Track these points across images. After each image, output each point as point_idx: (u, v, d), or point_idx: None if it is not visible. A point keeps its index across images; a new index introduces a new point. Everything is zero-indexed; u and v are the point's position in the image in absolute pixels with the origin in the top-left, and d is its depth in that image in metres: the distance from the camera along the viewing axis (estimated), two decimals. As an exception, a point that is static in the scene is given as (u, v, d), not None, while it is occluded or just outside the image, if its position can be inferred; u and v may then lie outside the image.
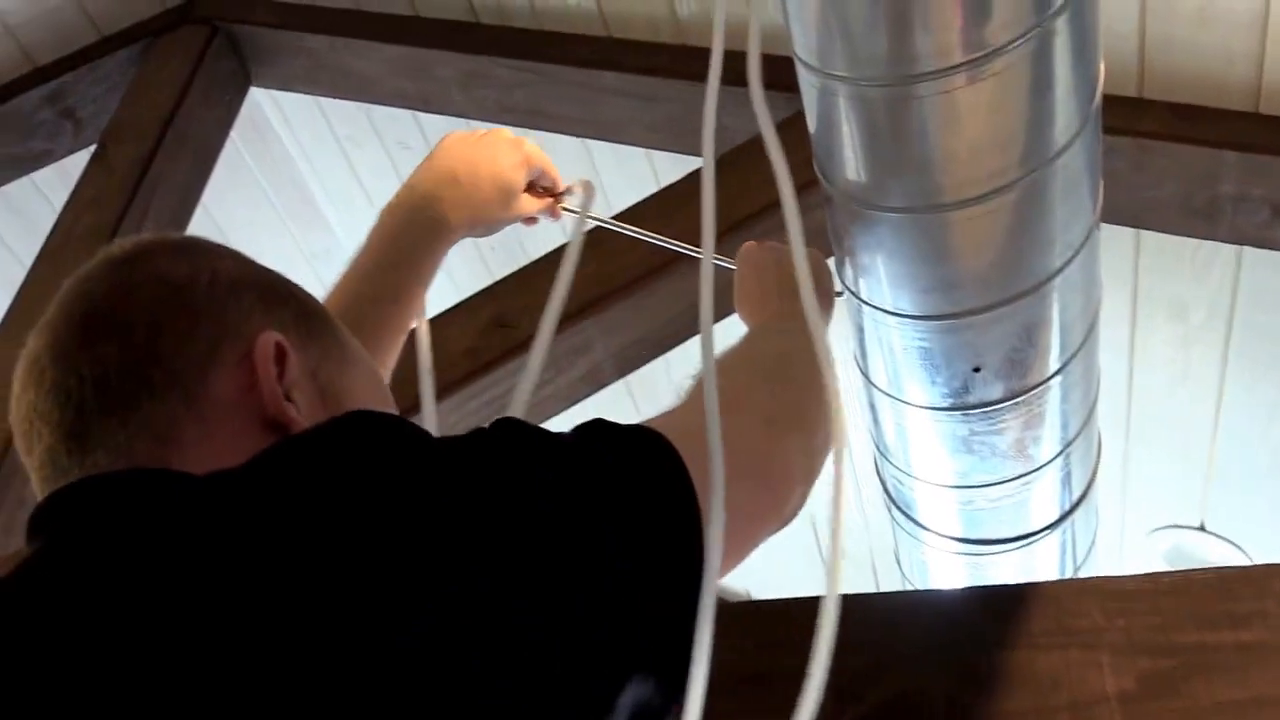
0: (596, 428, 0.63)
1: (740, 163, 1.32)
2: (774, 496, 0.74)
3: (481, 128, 1.17)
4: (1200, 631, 0.99)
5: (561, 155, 1.27)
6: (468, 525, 0.52)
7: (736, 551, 0.67)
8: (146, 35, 2.16)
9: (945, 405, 1.08)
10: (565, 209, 1.15)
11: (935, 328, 1.00)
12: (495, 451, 0.58)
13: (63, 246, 1.80)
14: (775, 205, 1.44)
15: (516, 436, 0.60)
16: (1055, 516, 1.27)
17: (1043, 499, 1.23)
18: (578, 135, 1.89)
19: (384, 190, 2.40)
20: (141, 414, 0.62)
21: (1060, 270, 0.96)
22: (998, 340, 1.00)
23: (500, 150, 1.09)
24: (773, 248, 1.08)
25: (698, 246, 0.88)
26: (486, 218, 1.09)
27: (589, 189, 1.13)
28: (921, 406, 1.10)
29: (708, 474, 0.65)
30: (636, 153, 1.82)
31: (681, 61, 1.70)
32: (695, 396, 0.74)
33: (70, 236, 1.82)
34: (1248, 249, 1.47)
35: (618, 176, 1.91)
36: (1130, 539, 2.07)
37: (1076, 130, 0.88)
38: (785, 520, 0.75)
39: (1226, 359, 1.64)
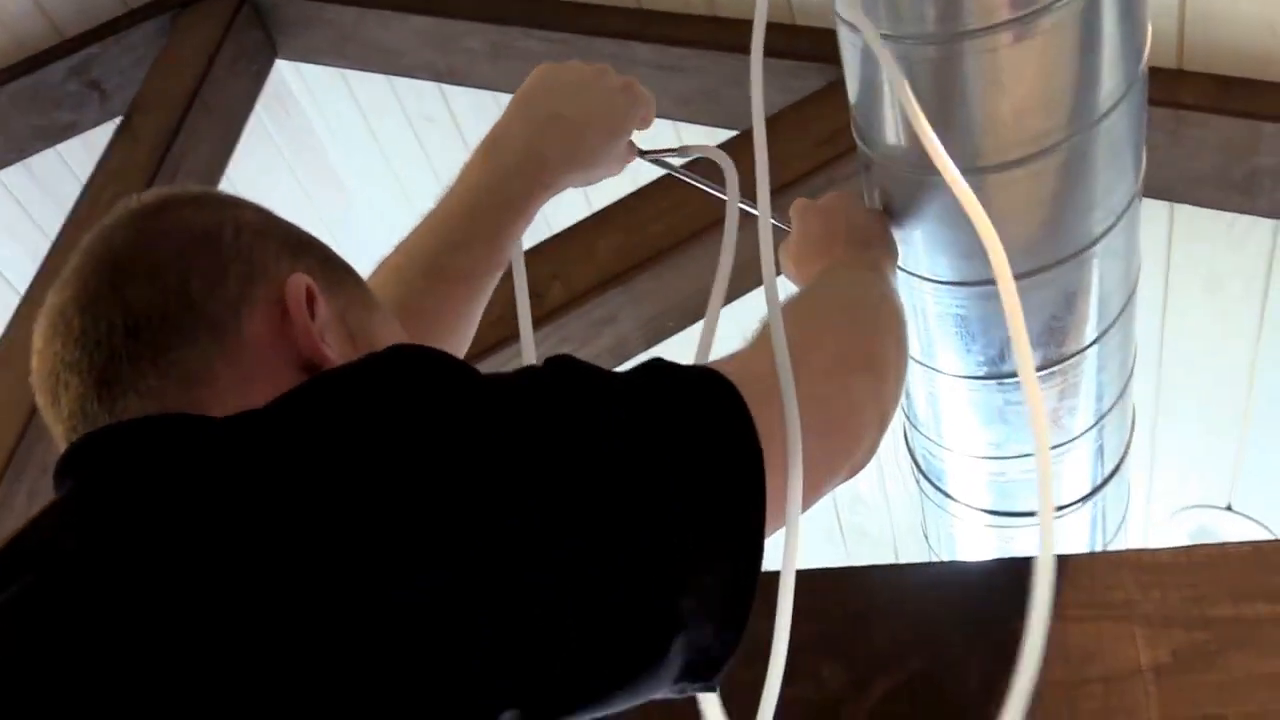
0: (656, 367, 0.62)
1: (770, 133, 1.31)
2: (843, 444, 0.71)
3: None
4: (1235, 604, 0.98)
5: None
6: (517, 461, 0.51)
7: (804, 501, 0.66)
8: (173, 7, 2.16)
9: (980, 374, 1.07)
10: (647, 156, 1.05)
11: (973, 294, 0.99)
12: (548, 388, 0.57)
13: (89, 217, 1.80)
14: (808, 175, 1.45)
15: (571, 373, 0.58)
16: (1087, 489, 1.26)
17: (1075, 471, 1.22)
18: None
19: (407, 163, 2.42)
20: (173, 357, 0.61)
21: (1101, 237, 0.95)
22: (1036, 307, 0.99)
23: (615, 97, 0.97)
24: (837, 196, 1.05)
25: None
26: (593, 165, 0.97)
27: (731, 170, 0.96)
28: (955, 375, 1.10)
29: (774, 419, 0.63)
30: (665, 125, 1.81)
31: (712, 33, 1.69)
32: (762, 340, 0.72)
33: (96, 207, 1.82)
34: (1286, 223, 1.45)
35: (647, 147, 1.89)
36: (1155, 518, 2.06)
37: (1122, 93, 0.87)
38: (855, 469, 0.73)
39: (1261, 334, 1.62)
